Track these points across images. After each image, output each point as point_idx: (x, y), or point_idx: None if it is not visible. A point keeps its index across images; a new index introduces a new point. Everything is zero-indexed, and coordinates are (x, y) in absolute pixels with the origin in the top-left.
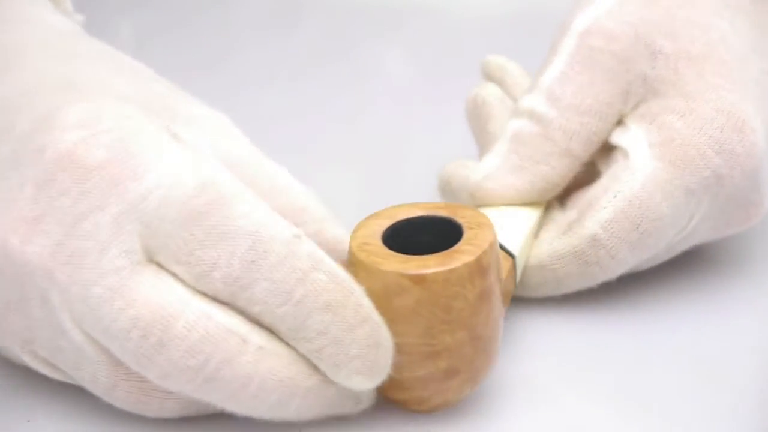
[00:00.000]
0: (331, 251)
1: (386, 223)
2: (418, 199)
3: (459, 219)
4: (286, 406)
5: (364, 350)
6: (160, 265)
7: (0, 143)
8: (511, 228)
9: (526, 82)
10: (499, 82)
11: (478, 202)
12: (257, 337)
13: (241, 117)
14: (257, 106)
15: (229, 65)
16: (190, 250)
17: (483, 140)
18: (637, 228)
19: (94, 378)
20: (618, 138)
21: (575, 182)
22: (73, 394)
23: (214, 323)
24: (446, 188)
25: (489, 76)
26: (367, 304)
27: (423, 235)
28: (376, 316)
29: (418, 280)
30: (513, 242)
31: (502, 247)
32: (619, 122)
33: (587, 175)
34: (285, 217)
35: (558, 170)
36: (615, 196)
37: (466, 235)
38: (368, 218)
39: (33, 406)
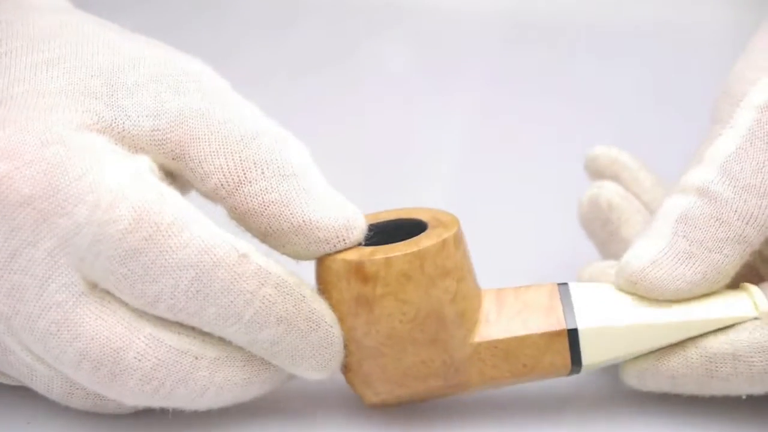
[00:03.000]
0: (275, 213)
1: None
2: (419, 197)
3: (426, 219)
4: (243, 398)
5: (317, 351)
6: (104, 291)
7: None
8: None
9: (647, 176)
10: (615, 178)
11: (642, 292)
12: (210, 351)
13: None
14: (258, 104)
15: (228, 63)
16: (131, 284)
17: (614, 248)
18: None
19: (49, 388)
20: None
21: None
22: None
23: (165, 348)
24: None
25: (599, 172)
26: (319, 306)
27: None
28: (328, 317)
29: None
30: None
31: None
32: None
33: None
34: (233, 171)
35: (731, 259)
36: None
37: (415, 239)
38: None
39: (33, 406)
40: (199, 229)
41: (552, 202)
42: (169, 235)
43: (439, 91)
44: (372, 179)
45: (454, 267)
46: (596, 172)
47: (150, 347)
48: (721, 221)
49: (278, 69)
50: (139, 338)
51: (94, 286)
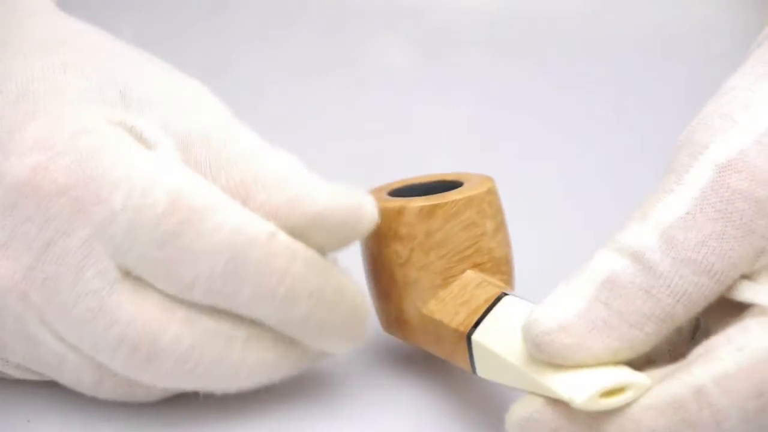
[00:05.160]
0: (284, 214)
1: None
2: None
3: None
4: (273, 378)
5: (345, 322)
6: (137, 278)
7: None
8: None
9: None
10: None
11: (544, 356)
12: (242, 331)
13: (244, 115)
14: (261, 101)
15: (231, 63)
16: (167, 270)
17: None
18: (759, 396)
19: (78, 379)
20: (748, 294)
21: None
22: (73, 394)
23: (200, 329)
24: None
25: None
26: (345, 278)
27: None
28: (353, 287)
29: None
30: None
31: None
32: (744, 276)
33: None
34: (235, 192)
35: (651, 338)
36: (740, 350)
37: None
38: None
39: (33, 406)
40: (230, 211)
41: (553, 197)
42: (204, 218)
43: (441, 90)
44: (374, 177)
45: (406, 235)
46: None
47: (185, 329)
48: (650, 295)
49: (279, 66)
50: (174, 321)
51: (127, 274)
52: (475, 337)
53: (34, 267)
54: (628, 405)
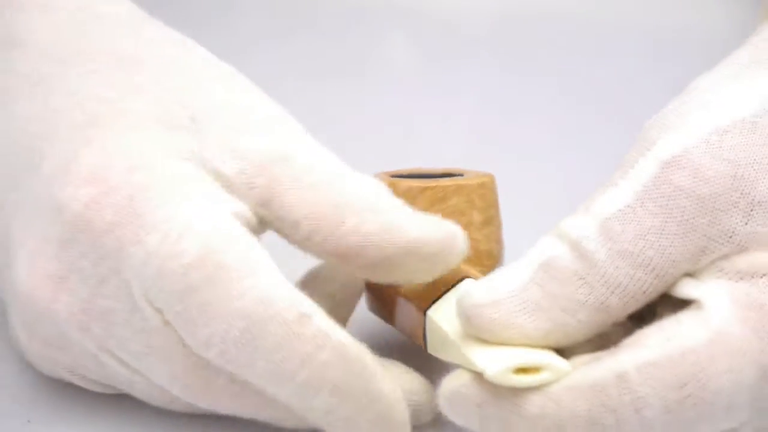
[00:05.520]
0: (378, 241)
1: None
2: None
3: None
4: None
5: (376, 426)
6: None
7: (25, 177)
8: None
9: None
10: None
11: (473, 330)
12: (264, 412)
13: None
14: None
15: (235, 65)
16: (184, 323)
17: None
18: (682, 388)
19: (150, 397)
20: (688, 290)
21: None
22: (73, 394)
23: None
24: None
25: None
26: (381, 378)
27: None
28: (392, 390)
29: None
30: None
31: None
32: (687, 274)
33: None
34: (324, 215)
35: (584, 326)
36: (668, 340)
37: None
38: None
39: (33, 406)
40: (261, 279)
41: (555, 195)
42: (229, 279)
43: (445, 89)
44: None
45: None
46: None
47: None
48: (584, 282)
49: (285, 64)
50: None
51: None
52: (429, 313)
53: (92, 301)
54: (550, 385)
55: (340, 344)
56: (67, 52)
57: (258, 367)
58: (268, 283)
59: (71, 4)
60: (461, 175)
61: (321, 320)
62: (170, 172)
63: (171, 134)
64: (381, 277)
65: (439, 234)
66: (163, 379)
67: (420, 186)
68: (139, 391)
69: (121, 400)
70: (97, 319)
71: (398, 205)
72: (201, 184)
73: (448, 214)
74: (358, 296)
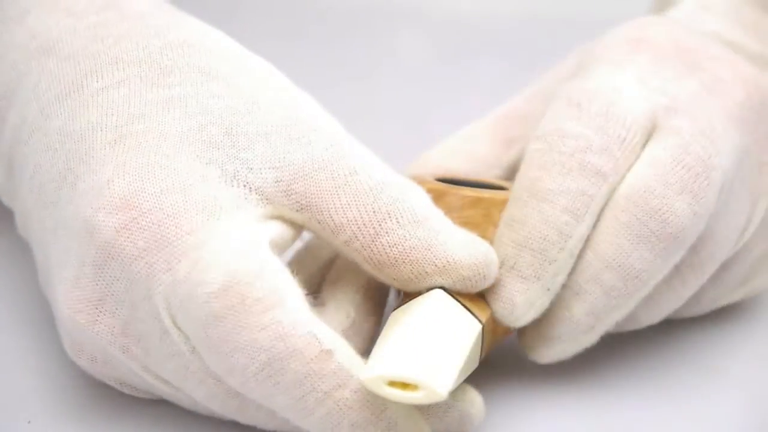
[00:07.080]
0: (418, 258)
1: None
2: None
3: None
4: None
5: None
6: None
7: (62, 194)
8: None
9: None
10: None
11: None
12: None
13: None
14: None
15: None
16: (207, 351)
17: None
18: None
19: (193, 406)
20: None
21: None
22: (73, 394)
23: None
24: None
25: None
26: (403, 420)
27: None
28: (413, 427)
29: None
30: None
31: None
32: None
33: None
34: (365, 223)
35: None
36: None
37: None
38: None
39: (33, 406)
40: (285, 314)
41: None
42: (252, 312)
43: (457, 89)
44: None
45: None
46: None
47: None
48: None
49: (293, 61)
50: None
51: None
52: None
53: (129, 324)
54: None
55: (361, 383)
56: (96, 62)
57: (278, 400)
58: (289, 318)
59: (96, 4)
60: (505, 188)
61: (342, 356)
62: (201, 196)
63: (203, 151)
64: (403, 286)
65: (476, 258)
66: (201, 399)
67: (440, 190)
68: (184, 403)
69: (121, 400)
70: (137, 341)
71: (440, 218)
72: (232, 205)
73: (461, 224)
74: None
